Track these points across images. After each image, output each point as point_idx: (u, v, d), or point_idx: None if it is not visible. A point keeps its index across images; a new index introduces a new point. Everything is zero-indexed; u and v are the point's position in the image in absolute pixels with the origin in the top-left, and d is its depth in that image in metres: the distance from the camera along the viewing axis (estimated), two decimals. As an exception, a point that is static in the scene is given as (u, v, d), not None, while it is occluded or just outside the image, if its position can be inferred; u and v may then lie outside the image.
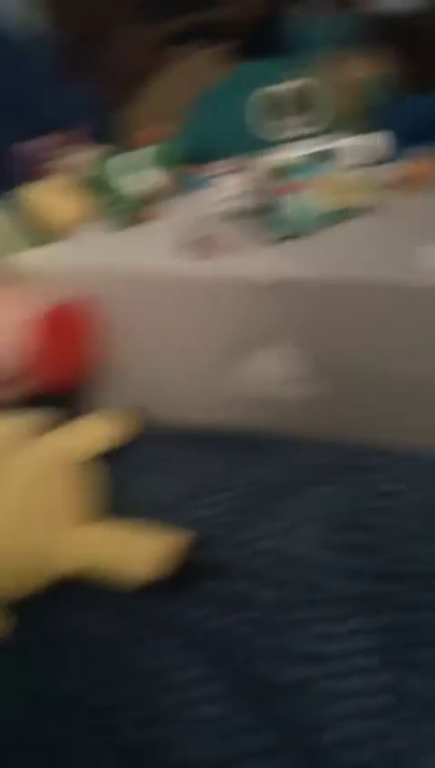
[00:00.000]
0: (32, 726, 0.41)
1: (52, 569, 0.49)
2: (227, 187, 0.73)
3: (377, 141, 0.81)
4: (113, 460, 0.64)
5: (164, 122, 0.89)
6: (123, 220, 0.74)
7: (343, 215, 0.74)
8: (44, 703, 0.43)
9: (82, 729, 0.41)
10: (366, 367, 0.68)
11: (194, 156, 0.85)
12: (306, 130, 0.88)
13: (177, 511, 0.59)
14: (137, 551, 0.49)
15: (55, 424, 0.56)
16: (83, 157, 1.04)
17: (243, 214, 0.71)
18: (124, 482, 0.62)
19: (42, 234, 0.81)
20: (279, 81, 0.92)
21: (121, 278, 0.66)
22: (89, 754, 0.40)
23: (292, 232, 0.69)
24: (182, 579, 0.49)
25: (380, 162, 0.80)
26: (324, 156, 0.79)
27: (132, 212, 0.73)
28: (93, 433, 0.62)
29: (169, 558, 0.48)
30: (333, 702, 0.40)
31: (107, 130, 1.29)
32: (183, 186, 0.86)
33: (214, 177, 0.79)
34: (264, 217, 0.69)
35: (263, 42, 1.08)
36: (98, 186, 0.74)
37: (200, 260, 0.64)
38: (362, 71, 0.99)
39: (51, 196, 0.83)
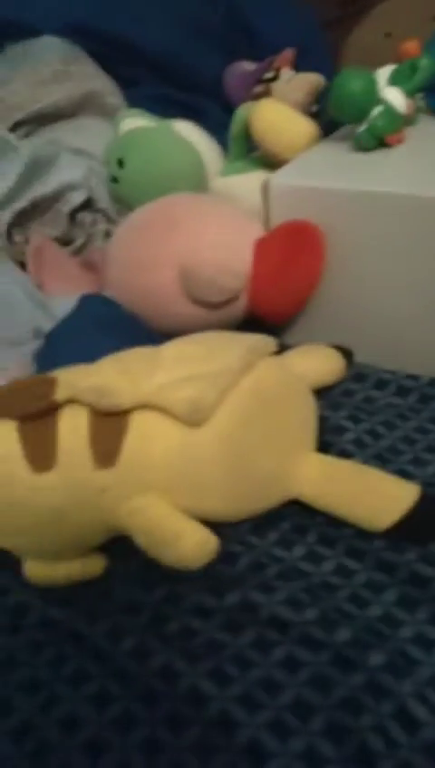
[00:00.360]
0: (227, 646, 0.42)
1: (283, 492, 0.48)
2: None
3: None
4: (327, 397, 0.63)
5: (404, 41, 0.83)
6: (372, 141, 0.70)
7: None
8: (243, 624, 0.43)
9: (283, 658, 0.41)
10: None
11: None
12: None
13: (403, 462, 0.56)
14: (379, 492, 0.47)
15: (279, 349, 0.55)
16: (309, 77, 1.02)
17: None
18: (339, 422, 0.60)
19: (269, 154, 0.80)
20: None
21: (369, 202, 0.62)
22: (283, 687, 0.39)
23: None
24: (419, 532, 0.47)
25: None
26: None
27: (386, 132, 0.69)
28: (315, 364, 0.61)
29: (410, 508, 0.46)
30: None
31: (329, 51, 1.26)
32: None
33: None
34: None
35: None
36: (349, 104, 0.70)
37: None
38: None
39: (278, 115, 0.81)
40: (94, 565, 0.47)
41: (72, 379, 0.44)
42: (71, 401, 0.44)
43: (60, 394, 0.43)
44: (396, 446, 0.59)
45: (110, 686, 0.41)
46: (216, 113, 1.06)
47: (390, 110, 0.70)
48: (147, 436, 0.44)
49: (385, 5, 1.19)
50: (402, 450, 0.58)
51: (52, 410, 0.43)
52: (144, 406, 0.44)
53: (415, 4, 1.19)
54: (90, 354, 0.49)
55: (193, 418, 0.43)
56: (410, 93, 0.75)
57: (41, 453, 0.42)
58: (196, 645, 0.42)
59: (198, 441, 0.44)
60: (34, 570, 0.45)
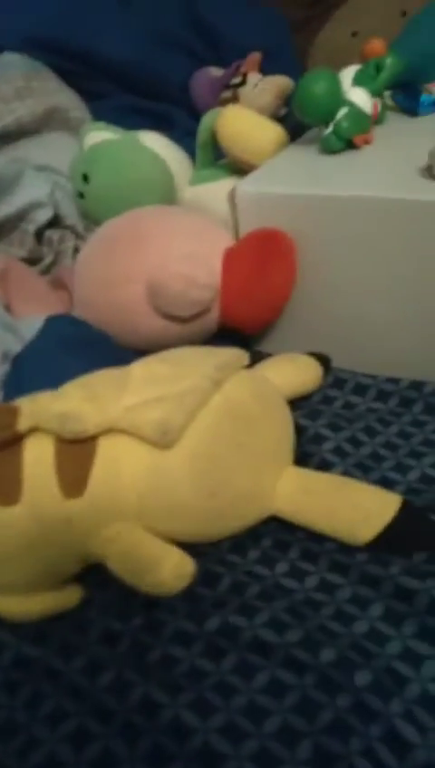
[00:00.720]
0: (210, 671, 0.41)
1: (260, 509, 0.48)
2: None
3: None
4: (306, 405, 0.62)
5: (368, 41, 0.83)
6: (339, 143, 0.69)
7: None
8: (224, 650, 0.42)
9: (266, 683, 0.40)
10: None
11: (414, 74, 0.78)
12: None
13: (386, 468, 0.56)
14: (359, 505, 0.47)
15: (252, 360, 0.54)
16: (277, 81, 1.02)
17: None
18: (318, 431, 0.60)
19: (237, 161, 0.79)
20: None
21: (338, 207, 0.62)
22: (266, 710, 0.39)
23: None
24: (402, 543, 0.46)
25: None
26: None
27: (353, 133, 0.69)
28: (289, 375, 0.60)
29: (391, 519, 0.45)
30: None
31: (297, 53, 1.25)
32: (410, 106, 0.80)
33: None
34: None
35: None
36: (313, 106, 0.70)
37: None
38: None
39: (245, 122, 0.81)
40: (69, 596, 0.46)
41: (35, 406, 0.43)
42: (35, 430, 0.43)
43: (22, 423, 0.42)
44: (378, 452, 0.58)
45: (88, 724, 0.40)
46: (184, 121, 1.06)
47: (355, 111, 0.70)
48: (116, 461, 0.43)
49: (351, 4, 1.19)
50: (385, 456, 0.57)
51: (16, 440, 0.42)
52: (112, 430, 0.43)
53: (381, 0, 1.19)
54: (57, 377, 0.48)
55: (162, 441, 0.42)
56: (375, 93, 0.75)
57: (5, 486, 0.41)
58: (177, 674, 0.41)
59: (169, 463, 0.43)
60: (6, 605, 0.44)
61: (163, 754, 0.38)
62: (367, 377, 0.66)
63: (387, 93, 0.82)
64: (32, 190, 0.78)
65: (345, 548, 0.48)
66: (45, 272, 0.79)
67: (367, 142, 0.71)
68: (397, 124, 0.79)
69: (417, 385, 0.64)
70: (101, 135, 0.82)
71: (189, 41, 1.20)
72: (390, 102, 0.83)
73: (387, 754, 0.37)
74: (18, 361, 0.59)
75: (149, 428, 0.42)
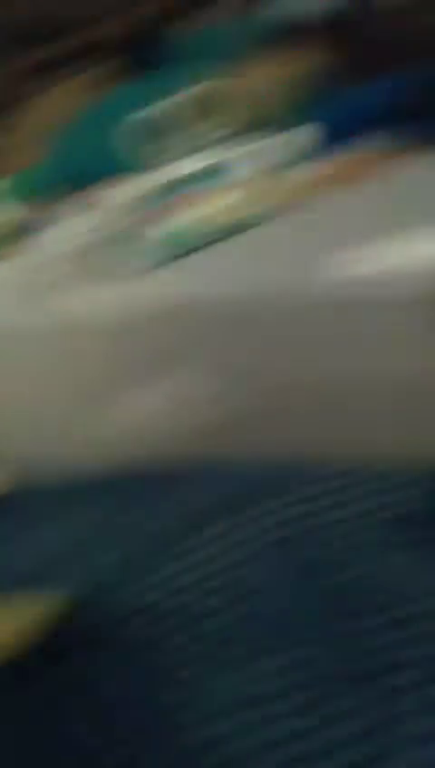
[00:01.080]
0: None
1: None
2: (83, 219, 0.71)
3: (299, 139, 0.79)
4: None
5: (29, 154, 0.88)
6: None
7: (241, 226, 0.72)
8: None
9: None
10: (289, 379, 0.67)
11: (57, 187, 0.84)
12: (213, 137, 0.87)
13: (55, 570, 0.56)
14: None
15: None
16: None
17: (102, 245, 0.69)
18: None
19: None
20: (158, 99, 0.92)
21: None
22: None
23: (172, 254, 0.68)
24: (64, 646, 0.46)
25: (303, 160, 0.78)
26: (219, 166, 0.80)
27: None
28: None
29: (35, 628, 0.45)
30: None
31: None
32: (28, 224, 0.85)
33: (63, 211, 0.78)
34: (129, 246, 0.69)
35: (147, 59, 1.09)
36: None
37: (50, 301, 0.63)
38: (277, 71, 0.98)
39: None
40: None
41: None
42: None
43: None
44: (57, 553, 0.57)
45: None
46: None
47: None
48: None
49: (23, 117, 1.24)
50: (66, 556, 0.56)
51: None
52: None
53: (52, 115, 1.25)
54: None
55: None
56: (19, 206, 0.79)
57: None
58: None
59: None
60: None
61: None
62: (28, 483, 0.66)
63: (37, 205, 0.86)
64: None
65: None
66: None
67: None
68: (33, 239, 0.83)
69: (94, 478, 0.65)
70: None
71: None
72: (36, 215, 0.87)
73: None
74: None
75: None
